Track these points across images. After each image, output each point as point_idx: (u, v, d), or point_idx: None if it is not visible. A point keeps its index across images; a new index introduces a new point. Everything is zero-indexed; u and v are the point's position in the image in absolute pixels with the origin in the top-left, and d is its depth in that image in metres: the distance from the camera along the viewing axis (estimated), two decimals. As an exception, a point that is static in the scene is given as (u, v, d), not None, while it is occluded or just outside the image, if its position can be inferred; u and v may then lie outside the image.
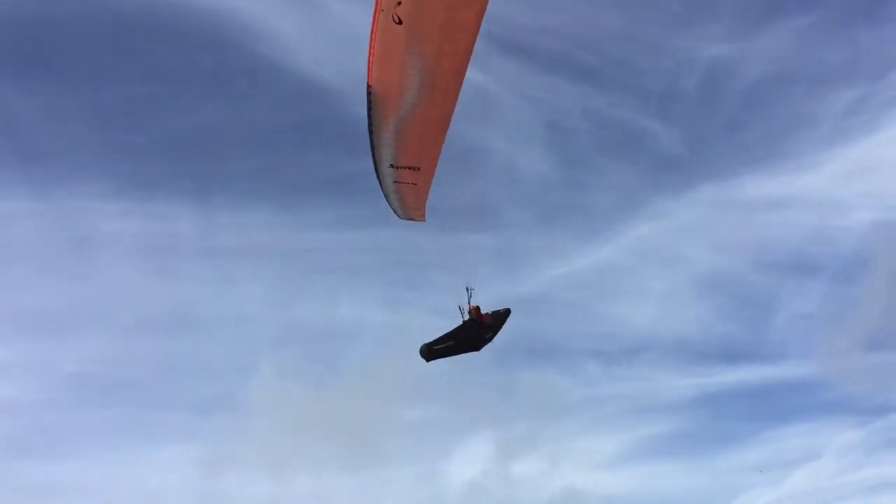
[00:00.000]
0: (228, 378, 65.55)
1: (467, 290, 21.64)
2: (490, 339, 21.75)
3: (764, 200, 73.78)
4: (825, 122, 72.94)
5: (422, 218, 22.70)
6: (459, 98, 19.15)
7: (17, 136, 67.75)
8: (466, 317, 21.65)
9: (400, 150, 20.83)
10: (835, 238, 73.70)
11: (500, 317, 21.71)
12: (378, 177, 21.59)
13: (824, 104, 73.37)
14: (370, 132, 20.23)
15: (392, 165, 21.18)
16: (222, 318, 69.13)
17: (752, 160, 76.14)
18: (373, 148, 20.76)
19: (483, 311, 21.64)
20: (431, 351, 21.95)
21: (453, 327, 21.80)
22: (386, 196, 22.03)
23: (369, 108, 19.60)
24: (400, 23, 16.73)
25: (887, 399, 64.52)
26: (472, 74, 18.60)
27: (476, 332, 21.60)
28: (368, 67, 18.47)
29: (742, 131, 75.71)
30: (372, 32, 17.31)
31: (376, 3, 16.57)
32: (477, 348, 21.89)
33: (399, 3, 16.30)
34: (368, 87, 19.05)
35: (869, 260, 73.13)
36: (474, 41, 17.86)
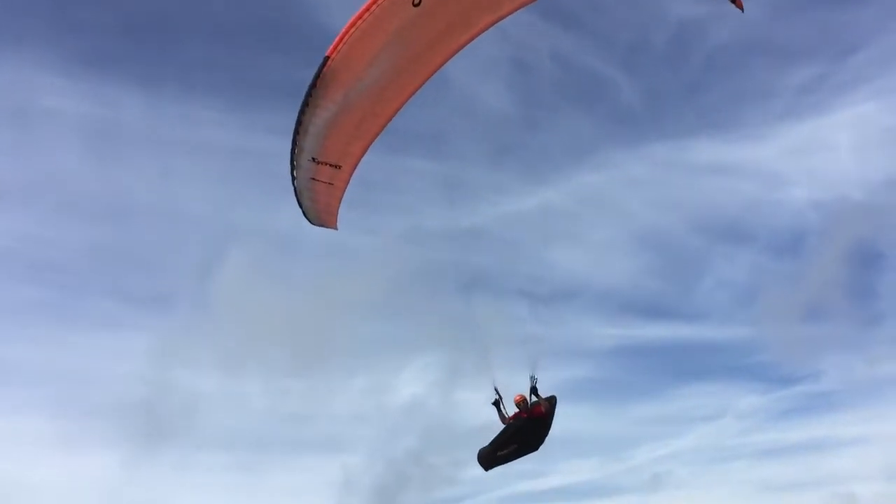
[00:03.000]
0: (167, 273, 65.63)
1: (532, 378, 18.28)
2: (546, 435, 18.43)
3: (710, 165, 75.09)
4: (781, 96, 74.69)
5: (334, 225, 19.64)
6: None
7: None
8: (510, 409, 18.47)
9: (327, 143, 17.92)
10: (771, 211, 76.47)
11: (553, 406, 18.46)
12: (292, 168, 18.33)
13: (783, 78, 74.80)
14: (302, 113, 17.13)
15: (313, 159, 18.12)
16: (162, 210, 67.19)
17: (706, 124, 77.12)
18: (297, 133, 17.60)
19: (526, 399, 18.47)
20: (495, 459, 18.48)
21: (509, 426, 18.43)
22: (297, 193, 18.76)
23: (314, 87, 16.59)
24: (418, 4, 14.23)
25: (793, 370, 68.05)
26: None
27: (536, 429, 18.23)
28: (340, 39, 15.58)
29: (701, 94, 75.94)
30: (373, 3, 14.55)
31: None
32: (536, 448, 18.50)
33: None
34: (326, 60, 16.10)
35: (799, 236, 76.69)
36: (469, 42, 15.94)
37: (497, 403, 18.62)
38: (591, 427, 62.22)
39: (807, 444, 64.07)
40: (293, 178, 18.48)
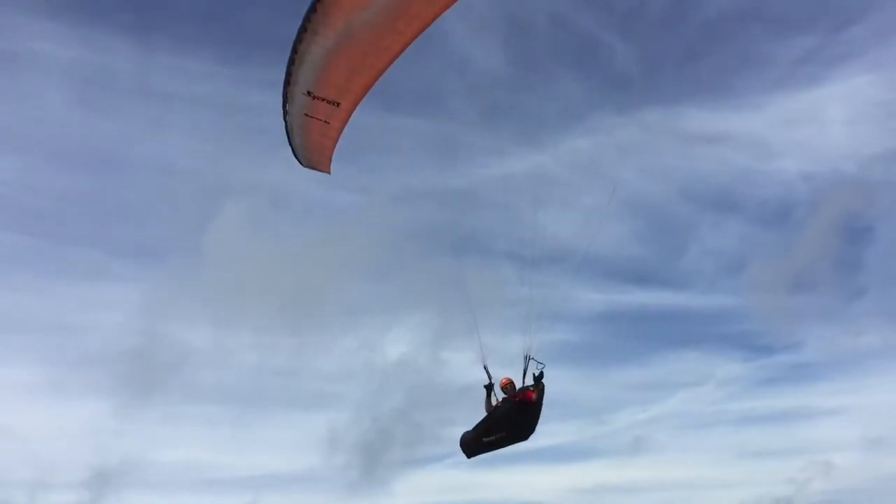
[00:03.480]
0: (156, 226, 65.13)
1: (526, 359, 16.61)
2: (537, 423, 16.69)
3: (701, 134, 73.89)
4: (776, 66, 73.35)
5: (326, 169, 17.80)
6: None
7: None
8: (500, 394, 16.87)
9: (325, 76, 15.99)
10: (759, 182, 76.08)
11: (542, 393, 16.67)
12: (284, 101, 16.44)
13: (779, 48, 73.52)
14: (299, 40, 15.19)
15: (309, 93, 16.21)
16: (152, 162, 66.09)
17: (699, 92, 75.88)
18: (292, 63, 15.69)
19: (514, 383, 16.92)
20: (480, 446, 16.79)
21: (497, 410, 16.81)
22: (288, 130, 16.92)
23: (312, 10, 14.60)
24: None
25: (776, 340, 68.88)
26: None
27: (528, 415, 16.49)
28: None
29: (696, 62, 73.94)
30: None
31: None
32: (526, 436, 16.78)
33: None
34: (328, -20, 14.08)
35: (787, 208, 76.31)
36: None
37: (489, 388, 17.05)
38: (574, 390, 62.14)
39: (786, 413, 65.07)
40: (284, 113, 16.61)
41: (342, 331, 60.91)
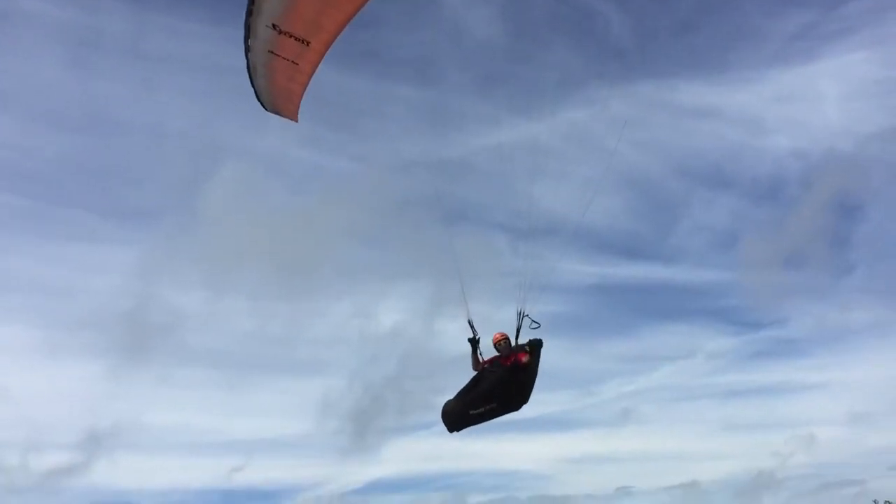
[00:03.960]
0: (149, 188, 64.51)
1: (519, 315, 14.89)
2: (531, 390, 14.72)
3: (695, 108, 73.42)
4: (772, 41, 72.69)
5: (293, 116, 15.90)
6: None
7: None
8: (488, 352, 15.05)
9: (293, 7, 14.17)
10: (751, 158, 75.88)
11: (537, 352, 14.75)
12: (246, 34, 14.58)
13: (776, 23, 72.68)
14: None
15: (274, 26, 14.36)
16: (144, 124, 64.89)
17: (694, 66, 75.35)
18: (255, -11, 13.81)
19: (508, 339, 15.10)
20: (467, 419, 14.76)
21: (485, 375, 14.84)
22: (250, 68, 15.05)
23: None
24: None
25: (763, 315, 69.24)
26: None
27: (520, 383, 14.55)
28: None
29: (692, 35, 73.17)
30: None
31: None
32: (519, 407, 14.84)
33: None
34: None
35: (779, 185, 76.54)
36: None
37: (474, 342, 15.12)
38: (564, 361, 61.39)
39: (772, 387, 65.35)
40: (246, 49, 14.75)
41: (336, 298, 60.89)
